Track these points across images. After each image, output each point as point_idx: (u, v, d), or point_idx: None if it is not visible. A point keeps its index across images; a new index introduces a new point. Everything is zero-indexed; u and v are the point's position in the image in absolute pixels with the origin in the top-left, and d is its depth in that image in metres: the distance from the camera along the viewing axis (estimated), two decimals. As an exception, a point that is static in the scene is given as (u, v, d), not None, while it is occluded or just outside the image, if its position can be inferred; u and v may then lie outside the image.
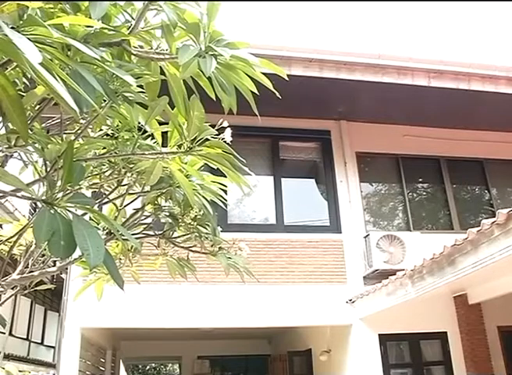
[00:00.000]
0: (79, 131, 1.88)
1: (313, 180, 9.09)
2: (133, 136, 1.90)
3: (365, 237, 7.98)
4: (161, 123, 2.02)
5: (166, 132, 1.99)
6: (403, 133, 9.08)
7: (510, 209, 4.43)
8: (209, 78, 1.61)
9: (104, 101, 1.65)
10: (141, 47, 1.68)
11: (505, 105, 8.53)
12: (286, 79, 1.78)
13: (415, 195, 9.37)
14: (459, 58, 8.16)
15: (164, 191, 2.22)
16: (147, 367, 25.24)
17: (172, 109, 1.81)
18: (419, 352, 7.82)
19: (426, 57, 7.99)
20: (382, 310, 7.03)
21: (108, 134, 2.01)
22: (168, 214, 2.37)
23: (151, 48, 1.68)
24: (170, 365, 25.28)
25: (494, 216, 4.67)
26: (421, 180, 9.50)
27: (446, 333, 7.74)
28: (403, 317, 7.46)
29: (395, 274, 6.59)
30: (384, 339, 7.55)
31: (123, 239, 2.26)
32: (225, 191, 2.27)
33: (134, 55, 1.62)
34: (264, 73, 1.70)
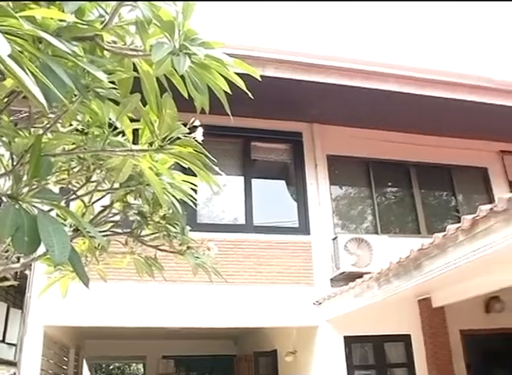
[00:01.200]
0: (48, 126, 1.85)
1: (283, 182, 9.12)
2: (104, 132, 1.88)
3: (333, 240, 8.04)
4: (132, 120, 2.00)
5: (137, 129, 1.97)
6: (373, 138, 9.18)
7: (474, 216, 4.52)
8: (182, 76, 1.60)
9: (75, 95, 1.62)
10: (115, 42, 1.66)
11: (469, 113, 8.71)
12: (259, 79, 1.78)
13: (384, 199, 9.49)
14: (427, 64, 8.32)
15: (133, 188, 2.20)
16: (111, 367, 24.94)
17: (144, 107, 1.79)
18: (383, 354, 7.92)
19: (396, 62, 8.10)
20: (348, 312, 7.10)
21: (77, 130, 1.98)
22: (136, 212, 2.34)
23: (125, 44, 1.66)
24: (134, 364, 25.02)
25: (459, 222, 4.76)
26: (390, 184, 9.62)
27: (409, 335, 7.85)
28: (369, 319, 7.54)
29: (362, 277, 6.66)
30: (349, 341, 7.62)
31: (90, 236, 2.23)
32: (196, 191, 2.26)
33: (107, 50, 1.60)
34: (237, 73, 1.70)
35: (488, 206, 4.34)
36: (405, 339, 7.86)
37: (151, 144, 1.87)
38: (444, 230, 5.00)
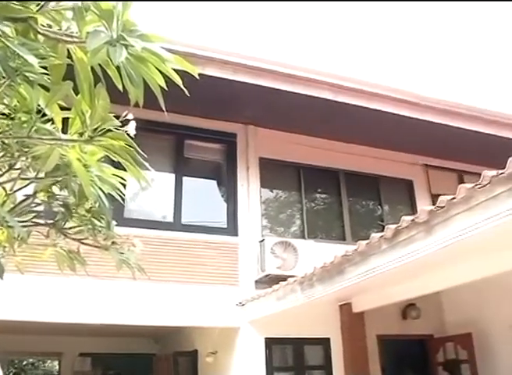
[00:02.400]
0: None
1: (215, 182, 9.10)
2: (31, 118, 1.81)
3: (260, 242, 8.10)
4: (63, 109, 1.93)
5: (68, 118, 1.91)
6: (306, 144, 9.33)
7: (397, 225, 4.69)
8: (118, 68, 1.57)
9: (3, 78, 1.55)
10: (50, 27, 1.60)
11: (398, 127, 9.05)
12: (197, 78, 1.77)
13: (313, 205, 9.66)
14: (362, 76, 8.54)
15: (59, 179, 2.12)
16: (25, 363, 23.97)
17: (77, 96, 1.74)
18: (302, 356, 8.06)
19: (333, 72, 8.27)
20: (270, 314, 7.17)
21: (3, 114, 1.89)
22: (61, 203, 2.27)
23: (61, 29, 1.61)
24: (49, 361, 24.15)
25: (383, 231, 4.92)
26: (319, 190, 9.81)
27: (329, 339, 8.03)
28: (291, 322, 7.65)
29: (286, 280, 6.75)
30: (270, 342, 7.70)
31: (8, 226, 2.14)
32: (124, 185, 2.21)
33: (41, 34, 1.54)
34: (176, 70, 1.68)
35: (411, 217, 4.52)
36: (324, 342, 8.03)
37: (81, 134, 1.82)
38: (368, 238, 5.16)
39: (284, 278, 7.00)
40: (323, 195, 9.90)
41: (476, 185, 3.72)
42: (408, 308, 8.61)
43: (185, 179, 8.36)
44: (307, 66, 8.08)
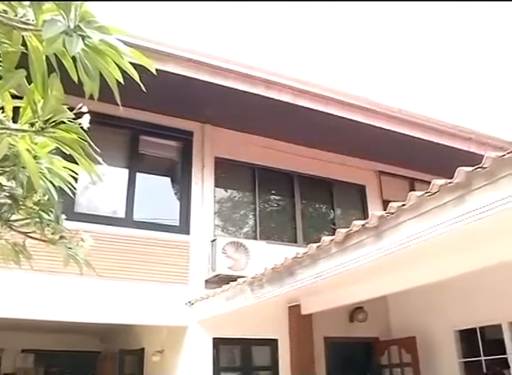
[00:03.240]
0: None
1: (169, 179, 9.03)
2: (-20, 106, 1.75)
3: (212, 242, 8.08)
4: (14, 97, 1.88)
5: (19, 107, 1.85)
6: (262, 145, 9.37)
7: (348, 230, 4.76)
8: (74, 59, 1.53)
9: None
10: (5, 12, 1.55)
11: (354, 132, 9.20)
12: (155, 73, 1.75)
13: (266, 206, 9.70)
14: (321, 81, 8.64)
15: (7, 169, 2.06)
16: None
17: (30, 85, 1.69)
18: (250, 357, 8.08)
19: (293, 75, 8.33)
20: (219, 314, 7.16)
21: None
22: (8, 195, 2.20)
23: (16, 16, 1.56)
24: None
25: (334, 234, 4.99)
26: (273, 192, 9.86)
27: (276, 340, 8.08)
28: (239, 323, 7.66)
29: (237, 280, 6.75)
30: (218, 342, 7.69)
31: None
32: (76, 179, 2.16)
33: (-6, 19, 1.49)
34: (135, 64, 1.66)
35: (361, 222, 4.59)
36: (272, 343, 8.08)
37: (32, 124, 1.76)
38: (319, 241, 5.21)
39: (235, 278, 7.01)
40: (277, 197, 9.96)
41: (426, 193, 3.81)
42: (356, 312, 8.75)
43: (139, 175, 8.25)
44: (268, 68, 8.10)
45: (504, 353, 7.24)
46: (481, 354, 7.66)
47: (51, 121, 1.70)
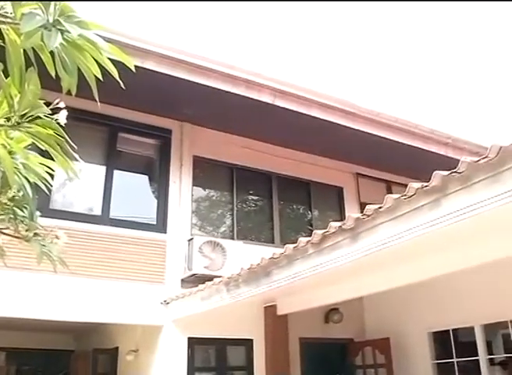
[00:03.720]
0: None
1: (147, 177, 8.97)
2: (-46, 99, 1.71)
3: (189, 241, 8.05)
4: (-10, 91, 1.85)
5: (-6, 101, 1.82)
6: (242, 145, 9.37)
7: (324, 231, 4.78)
8: (52, 53, 1.51)
9: None
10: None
11: (333, 134, 9.25)
12: (133, 70, 1.73)
13: (244, 206, 9.70)
14: (303, 83, 8.66)
15: (-19, 164, 2.02)
16: None
17: (6, 79, 1.66)
18: (225, 357, 8.07)
19: (274, 76, 8.34)
20: (194, 314, 7.14)
21: None
22: (-19, 190, 2.16)
23: (-7, 8, 1.54)
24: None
25: (311, 236, 5.00)
26: (251, 192, 9.86)
27: (252, 340, 8.08)
28: (215, 322, 7.65)
29: (213, 280, 6.74)
30: (193, 342, 7.67)
31: None
32: (52, 175, 2.14)
33: (-30, 11, 1.46)
34: (114, 60, 1.64)
35: (338, 223, 4.62)
36: (247, 343, 8.09)
37: (7, 119, 1.74)
38: (296, 242, 5.23)
39: (211, 278, 6.99)
40: (255, 197, 9.97)
41: (402, 196, 3.85)
42: (331, 313, 8.80)
43: (116, 172, 8.18)
44: (248, 68, 8.10)
45: (476, 355, 7.34)
46: (454, 356, 7.76)
47: (27, 116, 1.68)
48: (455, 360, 7.75)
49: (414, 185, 3.74)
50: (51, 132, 1.73)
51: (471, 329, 7.45)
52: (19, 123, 1.68)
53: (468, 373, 7.70)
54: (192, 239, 8.00)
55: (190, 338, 7.65)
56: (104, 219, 7.76)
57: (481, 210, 3.25)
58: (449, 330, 7.85)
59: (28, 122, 1.68)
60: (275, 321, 7.98)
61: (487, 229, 4.06)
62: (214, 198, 9.49)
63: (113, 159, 8.25)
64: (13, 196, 2.12)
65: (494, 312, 7.02)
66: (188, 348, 7.61)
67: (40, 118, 1.70)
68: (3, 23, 1.53)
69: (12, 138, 1.82)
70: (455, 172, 3.40)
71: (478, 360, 7.30)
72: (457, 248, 4.64)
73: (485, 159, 3.19)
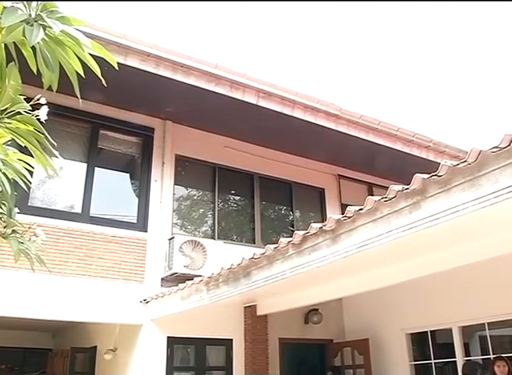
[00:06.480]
0: None
1: (128, 175, 8.90)
2: None
3: (170, 240, 8.02)
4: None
5: (-26, 96, 1.79)
6: (224, 145, 9.35)
7: (305, 232, 4.78)
8: (34, 49, 1.50)
9: None
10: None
11: (317, 136, 9.28)
12: (116, 68, 1.72)
13: (226, 206, 9.68)
14: (287, 84, 8.67)
15: (-41, 160, 1.99)
16: None
17: (-14, 73, 1.64)
18: (204, 357, 8.05)
19: (258, 77, 8.33)
20: (174, 313, 7.11)
21: None
22: (-41, 186, 2.13)
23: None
24: None
25: (292, 236, 5.01)
26: (233, 192, 9.85)
27: (231, 340, 8.08)
28: (194, 322, 7.63)
29: (193, 279, 6.72)
30: (172, 342, 7.64)
31: None
32: (31, 172, 2.11)
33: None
34: (96, 57, 1.63)
35: (319, 225, 4.63)
36: (227, 343, 8.07)
37: (-13, 114, 1.72)
38: (277, 243, 5.23)
39: (191, 277, 6.97)
40: (237, 197, 9.96)
41: (382, 198, 3.87)
42: (310, 313, 8.83)
43: (97, 170, 8.10)
44: (233, 68, 8.08)
45: (454, 357, 7.42)
46: (432, 357, 7.83)
47: (7, 111, 1.66)
48: (433, 361, 7.82)
49: (395, 187, 3.76)
50: (30, 128, 1.71)
51: (449, 331, 7.53)
52: (-2, 119, 1.66)
53: (446, 374, 7.78)
54: (173, 238, 7.96)
55: (169, 338, 7.61)
56: (84, 216, 7.69)
57: (459, 214, 3.28)
58: (427, 332, 7.92)
59: (8, 117, 1.66)
60: (255, 321, 7.99)
61: (465, 232, 4.09)
62: (195, 197, 9.46)
63: (94, 157, 8.18)
64: (-9, 192, 2.09)
65: (471, 314, 7.10)
66: (167, 347, 7.57)
67: (21, 114, 1.68)
68: (-16, 17, 1.51)
69: (-9, 134, 1.80)
70: (435, 175, 3.43)
71: (455, 361, 7.37)
72: (436, 250, 4.69)
73: (465, 163, 3.22)
